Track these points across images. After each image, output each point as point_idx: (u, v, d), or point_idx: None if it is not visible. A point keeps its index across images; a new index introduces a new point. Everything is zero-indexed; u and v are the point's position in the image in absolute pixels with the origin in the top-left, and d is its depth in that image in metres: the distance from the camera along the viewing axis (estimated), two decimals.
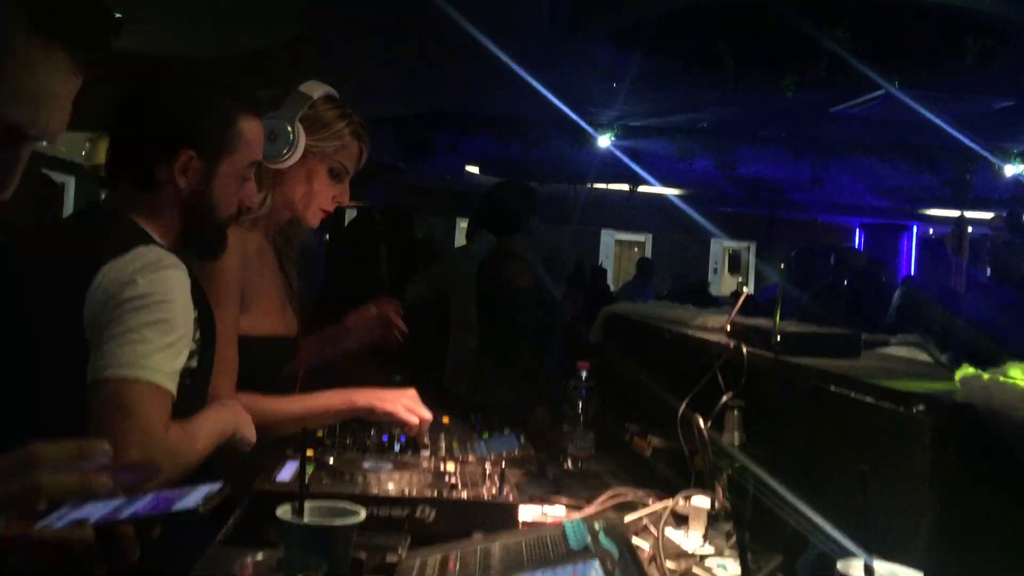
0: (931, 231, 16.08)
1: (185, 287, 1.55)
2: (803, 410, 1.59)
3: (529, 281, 4.08)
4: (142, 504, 0.94)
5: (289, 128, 1.96)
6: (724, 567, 1.47)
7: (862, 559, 1.22)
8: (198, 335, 1.58)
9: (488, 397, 4.11)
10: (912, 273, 15.38)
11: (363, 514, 1.36)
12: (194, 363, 1.57)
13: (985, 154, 9.22)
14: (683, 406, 1.81)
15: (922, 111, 7.18)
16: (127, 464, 1.05)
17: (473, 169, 12.01)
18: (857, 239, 16.03)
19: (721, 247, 17.29)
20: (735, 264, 17.59)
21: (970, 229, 12.95)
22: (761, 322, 1.80)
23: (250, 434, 1.74)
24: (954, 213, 12.77)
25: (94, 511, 0.91)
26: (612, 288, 13.89)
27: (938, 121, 7.59)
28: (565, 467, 2.42)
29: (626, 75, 6.94)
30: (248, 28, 6.54)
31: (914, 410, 1.10)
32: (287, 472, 1.80)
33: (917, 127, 7.87)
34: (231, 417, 1.69)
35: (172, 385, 1.50)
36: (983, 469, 1.08)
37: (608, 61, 6.54)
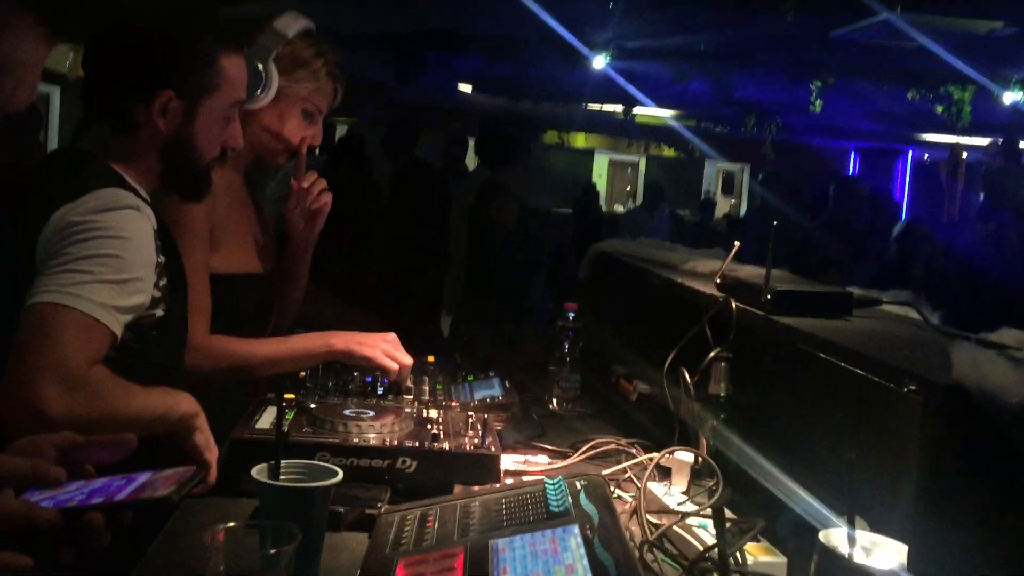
0: (926, 156, 15.98)
1: (144, 229, 1.49)
2: (792, 368, 1.56)
3: (514, 217, 4.05)
4: (114, 489, 0.91)
5: (262, 68, 1.86)
6: (705, 527, 1.47)
7: (844, 528, 1.21)
8: (164, 282, 1.52)
9: (472, 331, 4.13)
10: (905, 196, 15.36)
11: (340, 475, 1.34)
12: (159, 311, 1.52)
13: (984, 81, 9.08)
14: (669, 359, 1.78)
15: (923, 36, 7.05)
16: (99, 440, 1.01)
17: (466, 87, 11.79)
18: (852, 162, 15.93)
19: (715, 168, 17.16)
20: (728, 186, 17.49)
21: (965, 155, 12.87)
22: (752, 273, 1.76)
23: (210, 457, 1.58)
24: (951, 139, 12.67)
25: (63, 496, 0.89)
26: (604, 208, 13.83)
27: (937, 48, 7.46)
28: (551, 407, 2.42)
29: None
30: None
31: (905, 388, 1.07)
32: (267, 418, 1.78)
33: (915, 53, 7.73)
34: (184, 407, 1.52)
35: (113, 323, 1.40)
36: (972, 448, 1.06)
37: None
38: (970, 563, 1.05)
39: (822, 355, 1.32)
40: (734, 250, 1.82)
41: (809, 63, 9.02)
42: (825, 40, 7.49)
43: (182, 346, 1.70)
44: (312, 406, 1.85)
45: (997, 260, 6.51)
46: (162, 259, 1.53)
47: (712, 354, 1.67)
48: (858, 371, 1.21)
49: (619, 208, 16.29)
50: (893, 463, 1.17)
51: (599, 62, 8.95)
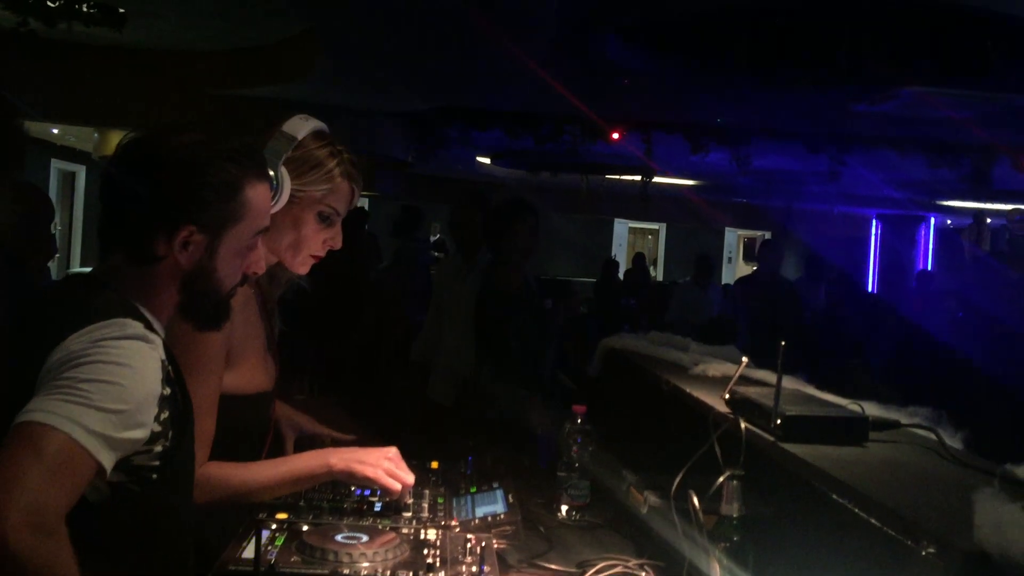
0: (949, 222, 15.86)
1: (150, 360, 1.42)
2: (805, 497, 1.47)
3: (519, 286, 4.00)
4: None
5: (272, 172, 1.78)
6: None
7: None
8: (165, 415, 1.46)
9: (485, 407, 4.04)
10: (929, 265, 15.21)
11: None
12: (159, 447, 1.45)
13: (1006, 148, 9.02)
14: (676, 481, 1.69)
15: (943, 107, 7.02)
16: None
17: (484, 160, 11.87)
18: (874, 229, 15.82)
19: (736, 236, 17.12)
20: (750, 253, 17.42)
21: (989, 220, 12.75)
22: (761, 392, 1.68)
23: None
24: (974, 205, 12.57)
25: None
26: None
27: (960, 116, 7.42)
28: (559, 516, 2.32)
29: (638, 73, 6.79)
30: (252, 23, 6.44)
31: (923, 552, 0.98)
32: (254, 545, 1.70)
33: (936, 122, 7.70)
34: None
35: (100, 452, 1.31)
36: None
37: (619, 60, 6.38)
38: None
39: (834, 496, 1.23)
40: (741, 367, 1.74)
41: (826, 133, 9.01)
42: (845, 111, 7.48)
43: (190, 486, 1.62)
44: (304, 528, 1.77)
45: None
46: (167, 391, 1.46)
47: (722, 478, 1.58)
48: (872, 520, 1.12)
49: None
50: None
51: (616, 135, 9.00)
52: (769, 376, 1.93)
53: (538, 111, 8.88)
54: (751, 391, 1.66)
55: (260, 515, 1.84)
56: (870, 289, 14.20)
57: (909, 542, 1.03)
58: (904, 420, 1.56)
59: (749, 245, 17.40)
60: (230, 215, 1.54)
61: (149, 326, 1.49)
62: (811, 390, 1.79)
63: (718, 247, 16.91)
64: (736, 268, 16.86)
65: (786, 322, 6.29)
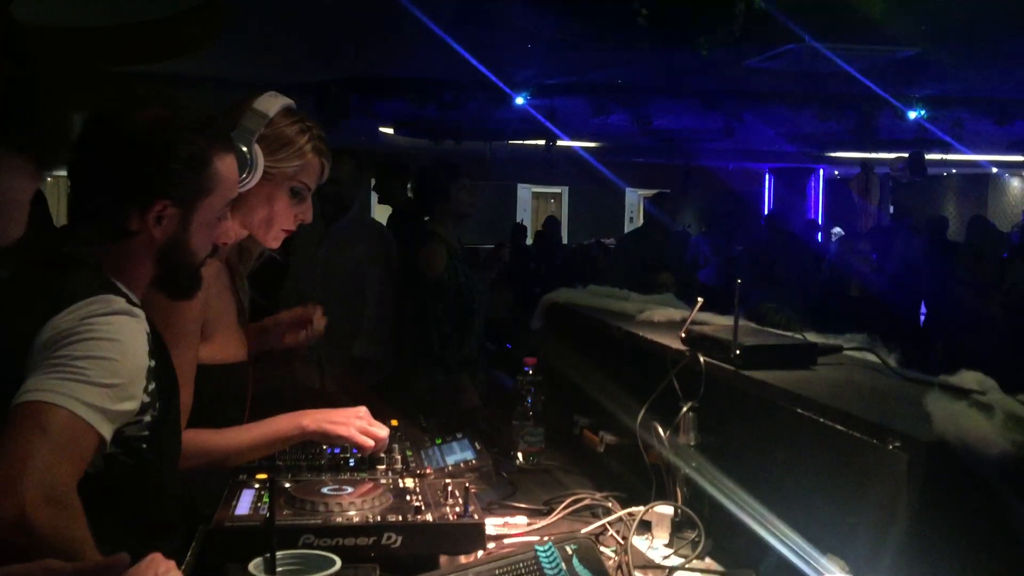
0: (836, 173, 16.54)
1: (138, 333, 1.47)
2: (759, 416, 1.62)
3: (444, 263, 4.04)
4: None
5: (246, 150, 1.82)
6: None
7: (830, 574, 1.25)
8: (152, 386, 1.50)
9: (411, 383, 4.12)
10: (819, 214, 15.87)
11: (338, 564, 1.34)
12: (148, 417, 1.49)
13: (890, 99, 9.46)
14: (641, 413, 1.82)
15: (831, 62, 7.33)
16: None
17: (387, 130, 11.81)
18: (767, 183, 16.38)
19: (636, 196, 17.45)
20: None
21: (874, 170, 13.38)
22: (716, 327, 1.82)
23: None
24: (860, 155, 13.15)
25: None
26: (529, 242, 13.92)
27: (848, 69, 7.75)
28: (517, 463, 2.44)
29: (540, 36, 6.88)
30: None
31: (889, 446, 1.12)
32: (245, 503, 1.77)
33: (825, 77, 8.03)
34: None
35: (102, 425, 1.37)
36: (955, 497, 1.12)
37: (522, 22, 6.46)
38: None
39: (799, 410, 1.37)
40: (697, 306, 1.87)
41: (722, 91, 9.29)
42: (739, 68, 7.74)
43: (177, 453, 1.67)
44: (287, 485, 1.84)
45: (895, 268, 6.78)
46: (153, 363, 1.50)
47: (685, 408, 1.71)
48: (837, 426, 1.27)
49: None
50: (878, 513, 1.22)
51: (520, 100, 9.08)
52: (711, 317, 2.07)
53: (440, 78, 8.89)
54: (705, 328, 1.80)
55: (241, 476, 1.90)
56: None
57: (875, 441, 1.17)
58: (845, 345, 1.72)
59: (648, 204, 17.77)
60: (201, 187, 1.58)
61: (129, 300, 1.53)
62: (753, 325, 1.94)
63: (620, 207, 17.23)
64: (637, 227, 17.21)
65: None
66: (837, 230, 13.69)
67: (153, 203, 1.53)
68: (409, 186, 4.99)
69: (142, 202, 1.53)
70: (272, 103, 1.91)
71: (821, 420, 1.31)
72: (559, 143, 11.65)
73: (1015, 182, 17.31)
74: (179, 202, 1.56)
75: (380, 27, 6.72)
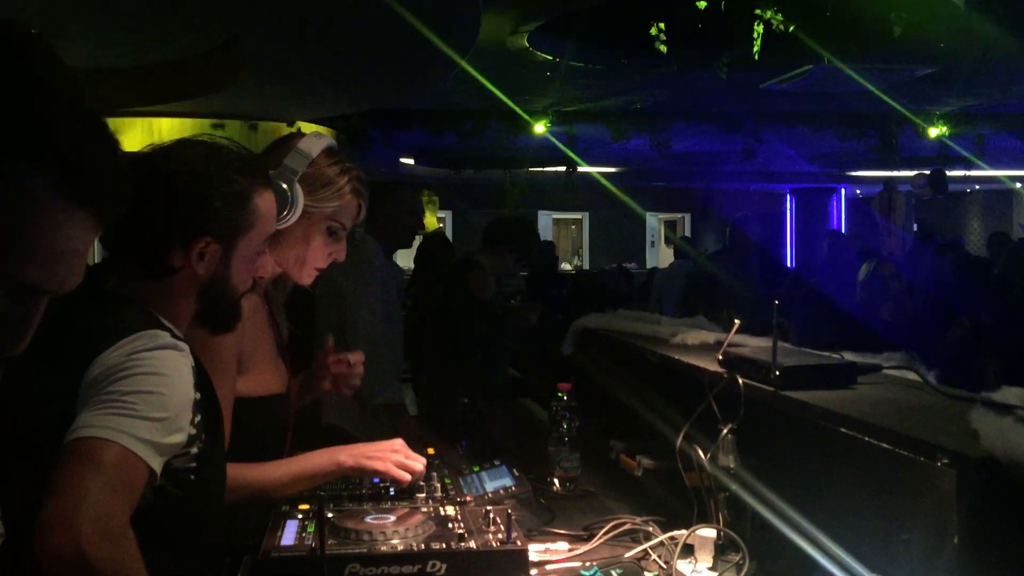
0: (858, 192, 16.49)
1: (184, 367, 1.50)
2: (799, 437, 1.62)
3: (492, 291, 4.10)
4: None
5: (287, 188, 1.86)
6: None
7: None
8: (199, 419, 1.53)
9: (439, 408, 4.13)
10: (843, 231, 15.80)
11: None
12: (195, 449, 1.52)
13: (911, 116, 9.45)
14: (681, 435, 1.82)
15: (850, 81, 7.34)
16: None
17: (408, 160, 11.92)
18: (788, 204, 16.34)
19: (657, 220, 17.47)
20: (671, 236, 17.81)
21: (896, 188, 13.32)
22: (754, 348, 1.82)
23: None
24: (882, 174, 13.11)
25: None
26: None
27: (868, 87, 7.76)
28: (554, 489, 2.44)
29: (560, 65, 6.95)
30: (173, 36, 6.37)
31: (938, 463, 1.13)
32: (290, 533, 1.78)
33: (844, 96, 8.04)
34: None
35: (152, 459, 1.39)
36: (1007, 513, 1.12)
37: (542, 50, 6.53)
38: None
39: (842, 429, 1.38)
40: (735, 327, 1.88)
41: (741, 112, 9.32)
42: (758, 90, 7.77)
43: (223, 485, 1.69)
44: (330, 515, 1.85)
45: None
46: (198, 395, 1.53)
47: (725, 430, 1.72)
48: (883, 444, 1.27)
49: (566, 266, 16.48)
50: (926, 530, 1.23)
51: (539, 128, 9.15)
52: (746, 339, 2.08)
53: (459, 108, 8.98)
54: (743, 350, 1.81)
55: (284, 507, 1.92)
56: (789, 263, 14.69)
57: (922, 458, 1.18)
58: (884, 364, 1.72)
59: (669, 227, 17.78)
60: (242, 224, 1.62)
61: (174, 335, 1.56)
62: (788, 346, 1.94)
63: (641, 232, 17.24)
64: (659, 251, 17.21)
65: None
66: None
67: (196, 240, 1.57)
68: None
69: (185, 239, 1.57)
70: (316, 144, 1.95)
71: (864, 439, 1.31)
72: (579, 169, 11.71)
73: None
74: (220, 238, 1.59)
75: (399, 61, 6.80)
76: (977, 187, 16.50)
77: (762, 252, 7.16)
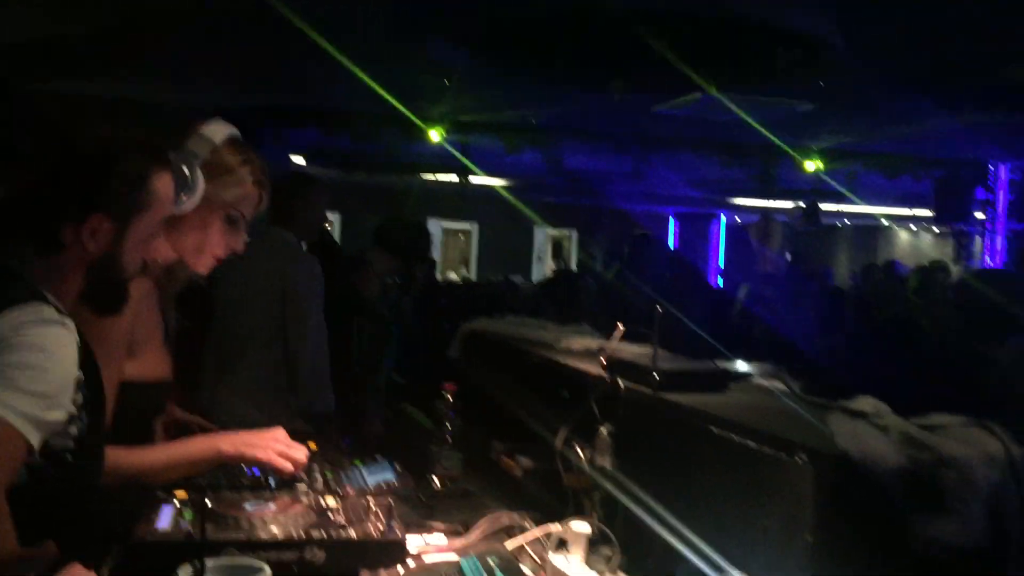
0: (737, 219, 17.13)
1: (68, 344, 1.47)
2: (671, 437, 1.70)
3: (377, 291, 4.11)
4: None
5: (188, 172, 1.83)
6: None
7: None
8: (80, 399, 1.50)
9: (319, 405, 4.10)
10: (720, 258, 16.40)
11: (268, 571, 1.35)
12: (74, 429, 1.49)
13: (789, 150, 9.90)
14: (563, 436, 1.89)
15: (736, 111, 7.66)
16: None
17: (299, 160, 11.74)
18: (672, 227, 16.85)
19: (545, 234, 17.70)
20: (558, 251, 18.08)
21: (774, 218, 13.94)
22: (633, 353, 1.90)
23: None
24: (761, 203, 13.67)
25: None
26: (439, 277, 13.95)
27: (749, 120, 8.12)
28: (434, 487, 2.47)
29: (458, 73, 7.00)
30: (62, 13, 6.14)
31: (797, 459, 1.22)
32: (165, 518, 1.76)
33: (729, 125, 8.38)
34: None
35: (31, 434, 1.38)
36: (856, 506, 1.22)
37: (441, 58, 6.57)
38: None
39: (712, 428, 1.46)
40: (618, 333, 1.96)
41: (632, 134, 9.58)
42: (649, 113, 8.01)
43: (100, 469, 1.66)
44: (208, 503, 1.84)
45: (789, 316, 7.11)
46: (81, 374, 1.50)
47: (603, 430, 1.79)
48: (749, 443, 1.36)
49: (453, 276, 16.52)
50: (784, 520, 1.32)
51: (435, 135, 9.17)
52: (625, 346, 2.17)
53: (356, 109, 8.92)
54: (624, 355, 1.89)
55: (159, 493, 1.89)
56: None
57: (784, 456, 1.27)
58: (754, 372, 1.83)
59: (557, 244, 18.04)
60: (137, 203, 1.60)
61: (59, 311, 1.53)
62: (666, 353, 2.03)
63: (529, 246, 17.43)
64: (545, 266, 17.43)
65: None
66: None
67: (89, 217, 1.54)
68: None
69: (77, 216, 1.54)
70: (220, 131, 1.94)
71: (733, 437, 1.40)
72: (472, 179, 11.78)
73: (903, 234, 18.30)
74: (114, 217, 1.57)
75: (297, 56, 6.73)
76: (848, 221, 17.44)
77: (673, 266, 7.42)
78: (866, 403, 1.48)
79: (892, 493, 1.16)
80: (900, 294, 8.37)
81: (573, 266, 17.47)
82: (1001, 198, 10.27)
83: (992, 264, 10.30)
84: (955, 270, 10.08)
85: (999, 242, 10.36)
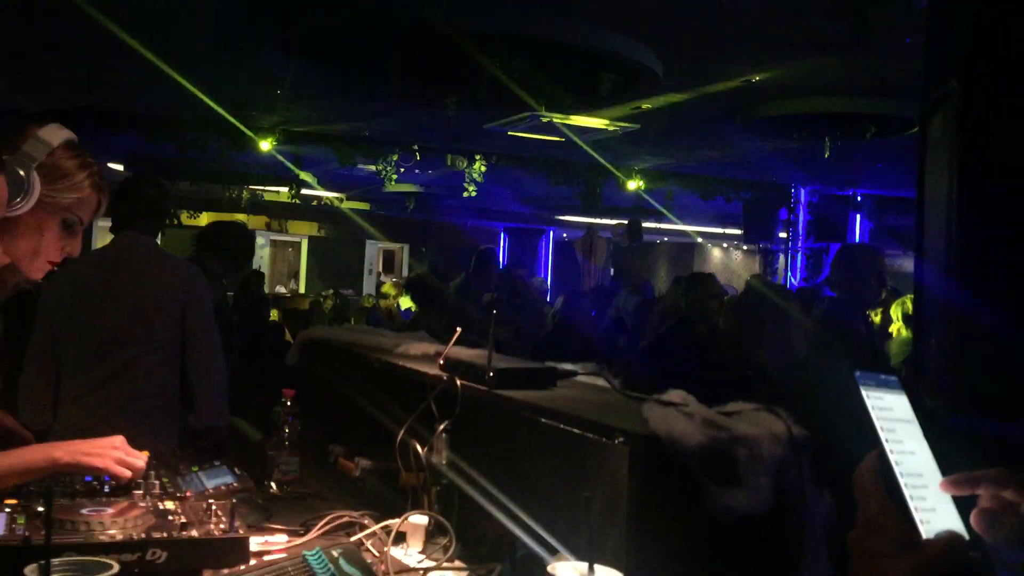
0: (564, 235, 17.72)
1: None
2: (507, 430, 1.84)
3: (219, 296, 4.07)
4: None
5: (23, 174, 1.78)
6: None
7: (569, 559, 1.48)
8: None
9: None
10: (548, 271, 16.91)
11: (116, 567, 1.38)
12: None
13: (613, 170, 10.38)
14: (401, 434, 1.98)
15: (562, 131, 7.99)
16: None
17: (117, 166, 11.26)
18: (501, 241, 17.21)
19: (376, 248, 17.66)
20: (389, 265, 18.08)
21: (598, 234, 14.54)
22: (469, 355, 2.03)
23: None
24: (586, 220, 14.21)
25: None
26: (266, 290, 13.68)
27: (576, 139, 8.48)
28: (271, 491, 2.50)
29: (290, 83, 6.97)
30: None
31: (616, 441, 1.37)
32: None
33: (557, 145, 8.71)
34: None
35: None
36: (667, 482, 1.38)
37: (272, 67, 6.52)
38: None
39: (542, 419, 1.60)
40: (455, 336, 2.08)
41: (464, 150, 9.78)
42: (480, 130, 8.22)
43: None
44: (40, 509, 1.82)
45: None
46: None
47: (441, 427, 1.90)
48: (575, 430, 1.50)
49: (281, 289, 16.23)
50: (605, 494, 1.47)
51: (266, 145, 9.04)
52: (462, 350, 2.29)
53: (179, 116, 8.67)
54: (461, 355, 2.01)
55: None
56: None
57: (604, 439, 1.42)
58: (579, 371, 1.99)
59: (388, 257, 18.04)
60: None
61: None
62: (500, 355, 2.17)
63: (360, 259, 17.34)
64: (377, 279, 17.40)
65: None
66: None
67: None
68: None
69: None
70: (57, 134, 1.90)
71: (561, 426, 1.54)
72: (303, 191, 11.66)
73: (716, 251, 19.61)
74: None
75: (113, 62, 6.53)
76: (666, 238, 18.43)
77: (511, 280, 7.66)
78: (676, 395, 1.66)
79: (695, 468, 1.32)
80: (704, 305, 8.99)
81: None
82: (801, 219, 11.13)
83: (793, 279, 11.15)
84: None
85: (799, 259, 11.22)
